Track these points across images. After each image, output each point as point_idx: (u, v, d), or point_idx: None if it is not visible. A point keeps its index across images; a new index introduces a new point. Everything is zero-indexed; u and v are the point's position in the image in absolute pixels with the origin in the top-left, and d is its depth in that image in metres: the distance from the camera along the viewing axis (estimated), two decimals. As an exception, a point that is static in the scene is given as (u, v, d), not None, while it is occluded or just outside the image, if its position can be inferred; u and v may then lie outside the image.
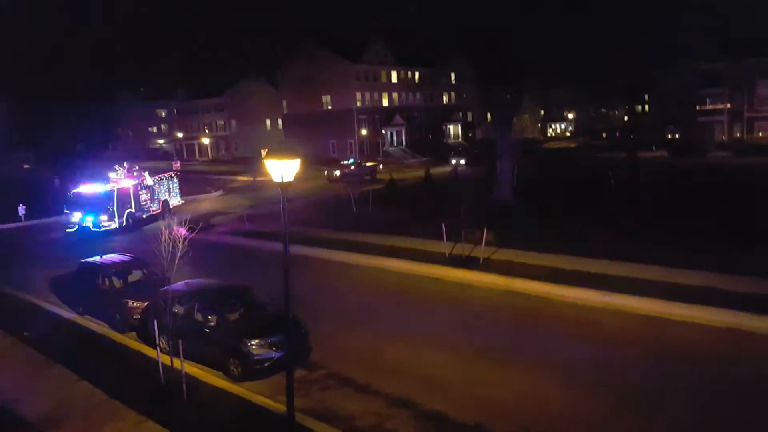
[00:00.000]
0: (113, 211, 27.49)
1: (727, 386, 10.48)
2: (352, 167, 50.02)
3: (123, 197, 28.28)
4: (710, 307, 13.51)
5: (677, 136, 67.57)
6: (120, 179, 29.53)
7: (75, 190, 27.89)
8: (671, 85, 68.31)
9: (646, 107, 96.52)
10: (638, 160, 38.65)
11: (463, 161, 50.81)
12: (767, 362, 11.40)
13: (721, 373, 11.02)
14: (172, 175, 34.74)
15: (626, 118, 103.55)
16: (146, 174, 31.26)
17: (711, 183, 34.53)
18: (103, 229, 26.93)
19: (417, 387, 10.94)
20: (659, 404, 10.04)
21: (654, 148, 60.28)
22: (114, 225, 27.43)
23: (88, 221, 26.79)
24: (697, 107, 67.34)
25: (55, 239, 27.98)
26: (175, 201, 33.61)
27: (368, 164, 53.20)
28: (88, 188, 27.91)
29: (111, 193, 27.82)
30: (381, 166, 55.43)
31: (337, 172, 48.74)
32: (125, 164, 31.10)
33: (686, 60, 65.17)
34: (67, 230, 27.05)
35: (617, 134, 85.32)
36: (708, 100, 67.50)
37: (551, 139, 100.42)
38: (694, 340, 12.52)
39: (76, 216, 26.86)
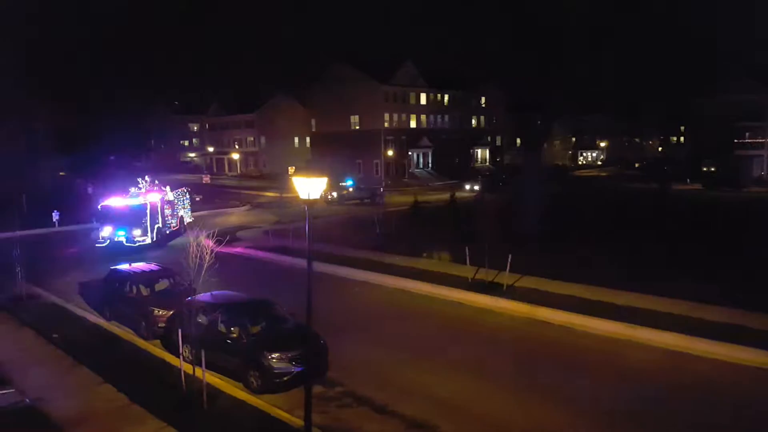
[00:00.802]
0: (146, 225, 26.35)
1: (749, 424, 10.12)
2: (350, 189, 46.92)
3: (152, 211, 27.14)
4: (735, 345, 13.21)
5: (713, 168, 66.05)
6: (145, 193, 28.02)
7: (104, 203, 26.55)
8: (709, 117, 67.04)
9: (682, 138, 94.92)
10: (669, 193, 37.99)
11: (477, 186, 48.25)
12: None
13: (744, 410, 10.66)
14: (185, 190, 33.80)
15: (660, 148, 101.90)
16: (167, 189, 30.09)
17: (744, 218, 33.67)
18: (137, 244, 25.81)
19: (434, 410, 10.86)
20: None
21: (688, 180, 59.10)
22: (147, 240, 26.34)
23: (121, 236, 25.61)
24: (735, 140, 65.80)
25: (83, 251, 27.10)
26: (187, 217, 32.44)
27: (370, 187, 50.55)
28: (118, 201, 26.53)
29: (144, 207, 26.58)
30: (382, 188, 52.32)
31: (334, 194, 45.70)
32: (147, 178, 29.23)
33: (725, 92, 64.02)
34: (97, 244, 25.63)
35: (636, 165, 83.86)
36: (747, 134, 65.93)
37: (582, 167, 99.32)
38: (717, 377, 12.23)
39: (106, 230, 25.60)
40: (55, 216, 34.42)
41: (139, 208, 26.52)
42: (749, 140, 65.66)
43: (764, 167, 64.25)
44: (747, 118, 64.63)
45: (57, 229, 33.99)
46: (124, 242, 25.45)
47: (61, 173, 78.27)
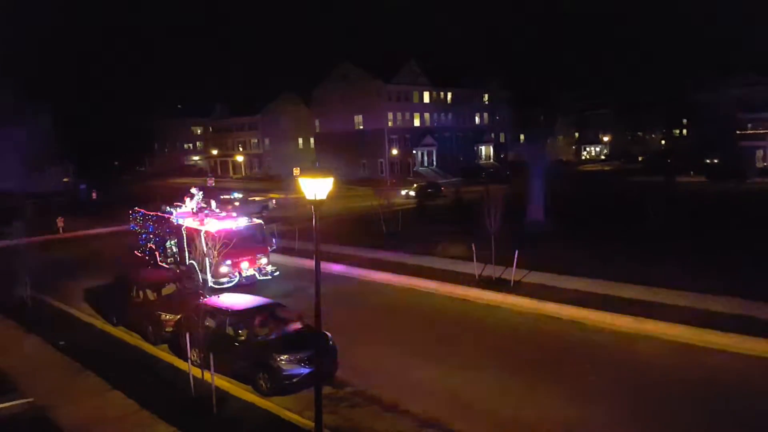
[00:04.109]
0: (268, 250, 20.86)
1: (763, 415, 10.01)
2: (236, 203, 37.98)
3: (263, 232, 21.39)
4: (743, 335, 13.14)
5: (716, 161, 65.72)
6: (202, 208, 22.16)
7: (208, 228, 18.99)
8: (711, 109, 66.72)
9: (685, 131, 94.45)
10: (673, 185, 37.81)
11: (411, 192, 45.86)
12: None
13: (757, 401, 10.53)
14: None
15: (663, 141, 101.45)
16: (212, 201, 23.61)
17: (747, 208, 33.46)
18: (270, 276, 20.17)
19: (445, 407, 10.80)
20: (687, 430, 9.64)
21: (692, 172, 58.83)
22: (269, 268, 20.60)
23: (251, 270, 19.78)
24: (738, 132, 65.45)
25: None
26: None
27: (257, 199, 42.54)
28: (226, 225, 19.74)
29: (257, 228, 20.83)
30: (274, 201, 43.74)
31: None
32: (194, 190, 23.33)
33: (728, 84, 63.67)
34: (216, 285, 18.38)
35: (640, 158, 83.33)
36: (750, 125, 65.58)
37: (586, 161, 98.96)
38: (728, 369, 12.12)
39: (223, 268, 18.97)
40: (60, 223, 34.40)
41: (254, 231, 20.54)
42: (752, 131, 65.27)
43: (767, 158, 63.85)
44: (749, 109, 64.30)
45: (61, 235, 34.07)
46: (258, 276, 19.83)
47: (65, 179, 78.60)
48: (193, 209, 22.17)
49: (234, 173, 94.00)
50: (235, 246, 17.72)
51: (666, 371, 12.16)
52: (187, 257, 20.64)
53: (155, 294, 16.12)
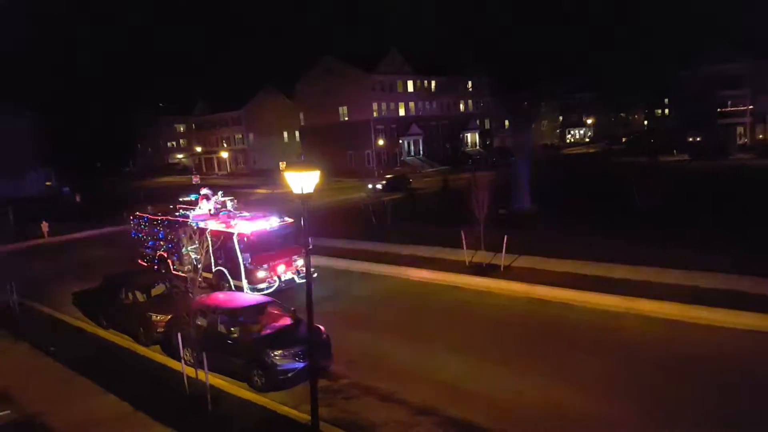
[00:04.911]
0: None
1: (754, 386, 10.20)
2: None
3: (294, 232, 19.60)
4: (730, 310, 13.39)
5: (698, 139, 66.46)
6: (219, 209, 20.70)
7: (240, 230, 17.72)
8: (691, 87, 67.36)
9: (667, 111, 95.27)
10: (657, 164, 38.20)
11: (379, 186, 44.92)
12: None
13: (742, 374, 10.74)
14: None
15: (646, 122, 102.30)
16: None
17: (728, 185, 33.93)
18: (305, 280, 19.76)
19: (440, 394, 10.87)
20: (681, 406, 9.81)
21: (675, 151, 59.47)
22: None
23: (290, 274, 18.11)
24: (719, 110, 66.18)
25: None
26: None
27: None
28: (257, 226, 18.11)
29: (290, 228, 18.78)
30: (235, 201, 37.44)
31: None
32: (208, 189, 21.71)
33: (707, 62, 64.25)
34: (260, 291, 17.03)
35: (623, 140, 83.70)
36: (729, 102, 66.33)
37: (570, 144, 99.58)
38: (714, 343, 12.35)
39: (260, 272, 17.37)
40: (45, 227, 33.87)
41: (288, 231, 18.51)
42: (731, 109, 66.04)
43: (747, 134, 64.69)
44: (728, 86, 64.98)
45: (47, 240, 33.64)
46: (297, 279, 18.09)
47: (47, 183, 77.57)
48: (210, 210, 20.54)
49: (219, 170, 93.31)
50: (270, 248, 17.52)
51: (654, 348, 12.34)
52: (213, 263, 18.34)
53: (144, 295, 15.99)
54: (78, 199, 55.79)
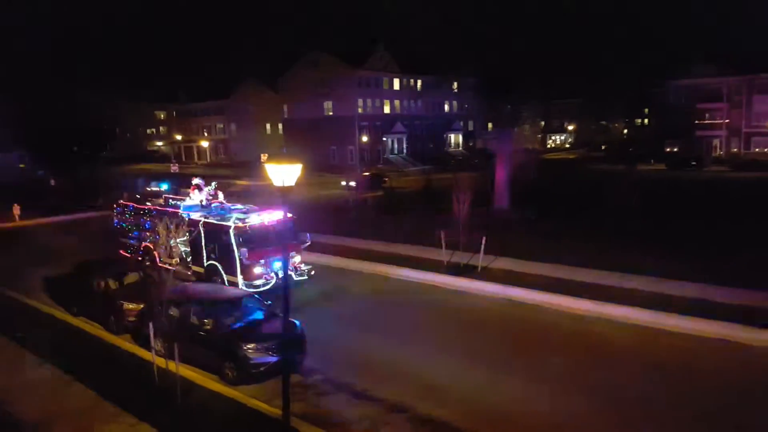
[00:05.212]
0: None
1: (717, 393, 10.46)
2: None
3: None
4: (700, 319, 13.73)
5: (675, 149, 67.85)
6: (210, 201, 20.02)
7: (242, 224, 16.93)
8: (671, 99, 68.70)
9: (646, 121, 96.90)
10: (634, 173, 38.90)
11: (352, 183, 43.87)
12: (753, 371, 11.40)
13: (711, 381, 11.01)
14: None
15: (626, 131, 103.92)
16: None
17: (705, 196, 34.73)
18: (305, 277, 17.77)
19: (413, 393, 10.92)
20: (648, 410, 10.02)
21: (652, 161, 60.57)
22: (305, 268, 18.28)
23: (291, 270, 17.49)
24: (696, 122, 67.63)
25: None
26: None
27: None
28: (256, 219, 17.41)
29: (292, 222, 17.44)
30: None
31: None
32: (199, 179, 20.88)
33: (686, 75, 65.57)
34: (257, 288, 16.30)
35: (603, 147, 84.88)
36: (707, 115, 67.81)
37: (551, 150, 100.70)
38: (684, 350, 12.63)
39: (257, 268, 16.72)
40: (16, 210, 33.05)
41: (286, 226, 16.44)
42: (708, 121, 67.56)
43: (723, 147, 66.26)
44: (706, 100, 66.51)
45: (18, 223, 32.83)
46: (294, 276, 17.47)
47: (21, 165, 75.73)
48: (202, 202, 19.75)
49: (199, 159, 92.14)
50: (267, 243, 16.73)
51: (623, 352, 12.58)
52: (205, 257, 17.79)
53: (117, 283, 15.73)
54: (53, 182, 54.56)
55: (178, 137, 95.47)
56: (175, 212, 19.16)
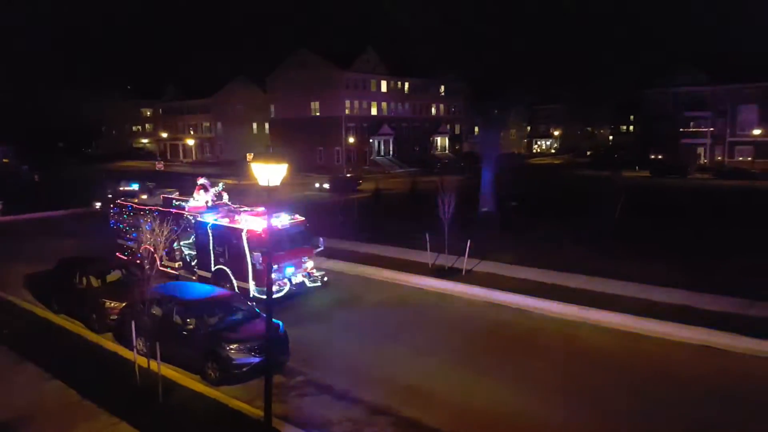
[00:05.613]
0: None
1: (697, 399, 10.63)
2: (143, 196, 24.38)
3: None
4: (682, 325, 13.89)
5: (660, 156, 68.75)
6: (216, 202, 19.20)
7: (251, 228, 16.17)
8: (656, 106, 69.63)
9: (632, 127, 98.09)
10: (619, 180, 39.30)
11: (326, 185, 44.19)
12: (730, 376, 11.61)
13: (692, 386, 11.18)
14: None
15: (611, 137, 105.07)
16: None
17: (690, 203, 35.26)
18: (316, 284, 17.21)
19: (396, 395, 10.94)
20: (627, 414, 10.15)
21: (637, 167, 61.30)
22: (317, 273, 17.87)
23: (301, 276, 16.88)
24: (681, 129, 68.60)
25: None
26: None
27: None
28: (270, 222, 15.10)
29: (302, 227, 17.56)
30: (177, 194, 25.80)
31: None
32: (205, 179, 19.80)
33: (672, 83, 66.51)
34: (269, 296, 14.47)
35: (588, 153, 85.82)
36: (692, 123, 68.82)
37: (536, 155, 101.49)
38: (663, 356, 12.80)
39: (273, 273, 14.40)
40: None
41: (299, 230, 17.30)
42: (693, 129, 68.60)
43: (707, 155, 67.30)
44: (692, 108, 67.55)
45: (2, 219, 32.27)
46: (307, 283, 16.96)
47: (5, 160, 74.53)
48: (208, 203, 18.84)
49: (184, 157, 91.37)
50: (280, 248, 15.91)
51: (606, 358, 12.70)
52: (213, 262, 17.13)
53: (100, 281, 15.56)
54: (36, 178, 53.81)
55: (164, 135, 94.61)
56: (179, 213, 18.50)
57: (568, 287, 17.00)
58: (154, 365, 10.71)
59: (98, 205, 32.35)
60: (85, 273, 15.61)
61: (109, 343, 13.61)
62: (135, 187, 26.33)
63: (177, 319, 12.35)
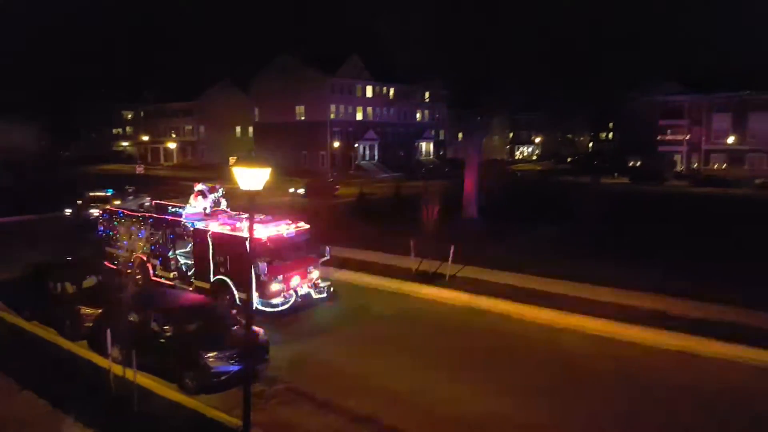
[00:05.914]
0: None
1: (673, 404, 10.69)
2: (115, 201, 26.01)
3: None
4: (657, 330, 14.11)
5: (638, 163, 69.86)
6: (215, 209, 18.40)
7: (263, 238, 15.12)
8: (634, 114, 70.79)
9: (611, 135, 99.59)
10: (598, 186, 39.92)
11: (300, 190, 44.37)
12: (705, 381, 11.70)
13: (670, 392, 11.25)
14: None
15: (591, 144, 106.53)
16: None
17: (667, 210, 35.83)
18: (322, 295, 16.57)
19: (378, 403, 10.78)
20: (614, 419, 10.16)
21: (616, 174, 62.20)
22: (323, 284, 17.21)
23: (304, 285, 16.17)
24: (659, 137, 69.84)
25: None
26: None
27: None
28: (274, 230, 15.77)
29: (305, 234, 16.87)
30: (149, 199, 27.16)
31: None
32: (203, 185, 18.92)
33: (650, 92, 67.74)
34: (274, 307, 15.11)
35: (569, 160, 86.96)
36: (669, 131, 70.13)
37: (518, 161, 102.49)
38: (640, 360, 12.92)
39: (275, 285, 15.18)
40: None
41: (303, 238, 16.60)
42: (670, 137, 69.91)
43: (683, 163, 68.59)
44: (668, 116, 68.88)
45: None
46: (313, 295, 16.31)
47: (-23, 163, 72.70)
48: (206, 210, 17.95)
49: (165, 160, 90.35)
50: (285, 257, 15.36)
51: (585, 363, 12.74)
52: (212, 271, 16.28)
53: (75, 287, 15.15)
54: (12, 181, 52.53)
55: (145, 138, 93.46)
56: (175, 221, 17.69)
57: (549, 292, 17.11)
58: (129, 373, 10.41)
59: (68, 212, 31.47)
60: (60, 279, 15.19)
61: (83, 351, 13.23)
62: (109, 193, 25.29)
63: (154, 326, 12.06)
